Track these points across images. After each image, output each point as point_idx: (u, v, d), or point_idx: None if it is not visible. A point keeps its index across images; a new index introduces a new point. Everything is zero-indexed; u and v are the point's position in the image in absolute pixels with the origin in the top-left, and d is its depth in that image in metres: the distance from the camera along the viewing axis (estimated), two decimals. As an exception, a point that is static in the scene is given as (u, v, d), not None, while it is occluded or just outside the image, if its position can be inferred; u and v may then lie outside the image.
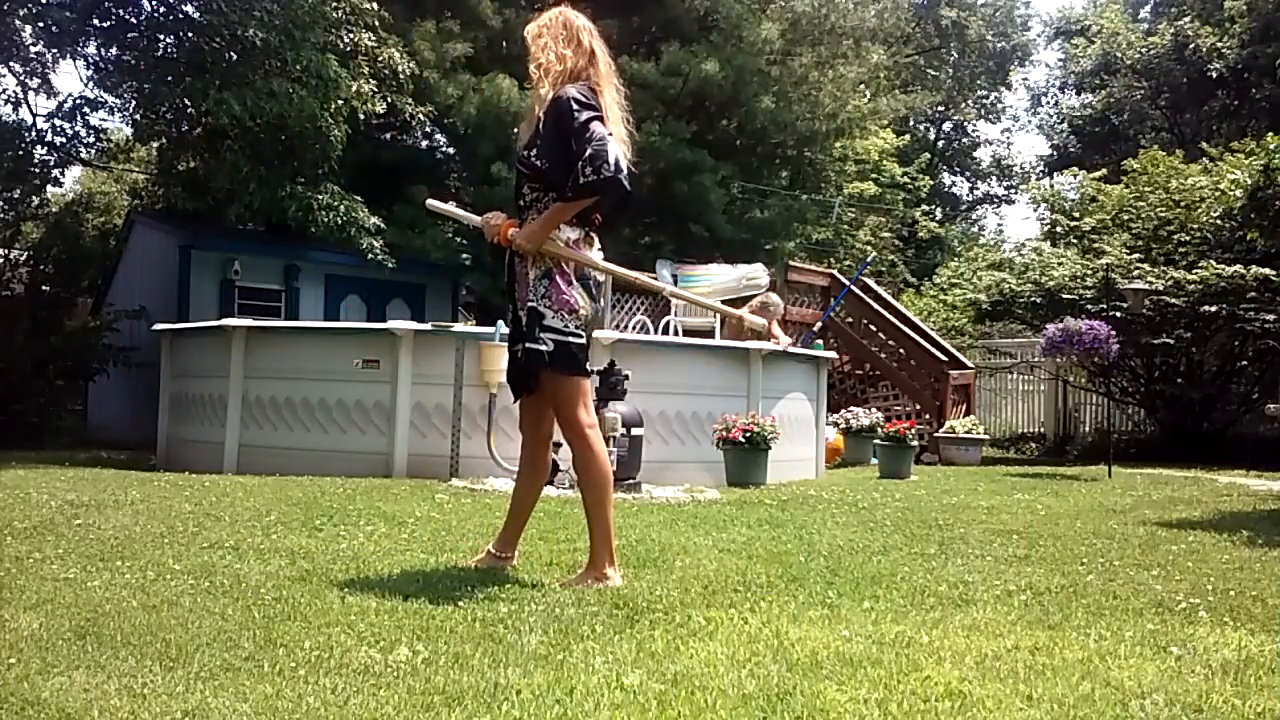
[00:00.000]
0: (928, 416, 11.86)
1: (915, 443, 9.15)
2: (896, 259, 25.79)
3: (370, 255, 11.35)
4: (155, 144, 13.46)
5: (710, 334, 9.75)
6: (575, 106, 3.40)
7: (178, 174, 12.86)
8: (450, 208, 4.25)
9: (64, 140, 11.65)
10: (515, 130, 14.27)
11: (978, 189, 36.52)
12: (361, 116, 11.66)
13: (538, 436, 3.73)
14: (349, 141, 11.28)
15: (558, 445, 6.73)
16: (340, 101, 10.69)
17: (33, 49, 11.53)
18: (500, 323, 7.42)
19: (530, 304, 3.47)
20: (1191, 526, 5.40)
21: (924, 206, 28.52)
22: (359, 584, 3.29)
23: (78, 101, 11.55)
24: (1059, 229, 14.72)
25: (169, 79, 10.68)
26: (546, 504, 5.64)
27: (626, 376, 6.64)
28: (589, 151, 3.34)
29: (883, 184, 25.13)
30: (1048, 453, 14.04)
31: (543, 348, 3.43)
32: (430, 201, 4.23)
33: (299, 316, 12.28)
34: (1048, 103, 32.29)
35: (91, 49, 11.69)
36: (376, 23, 11.42)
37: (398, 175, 13.78)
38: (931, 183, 29.63)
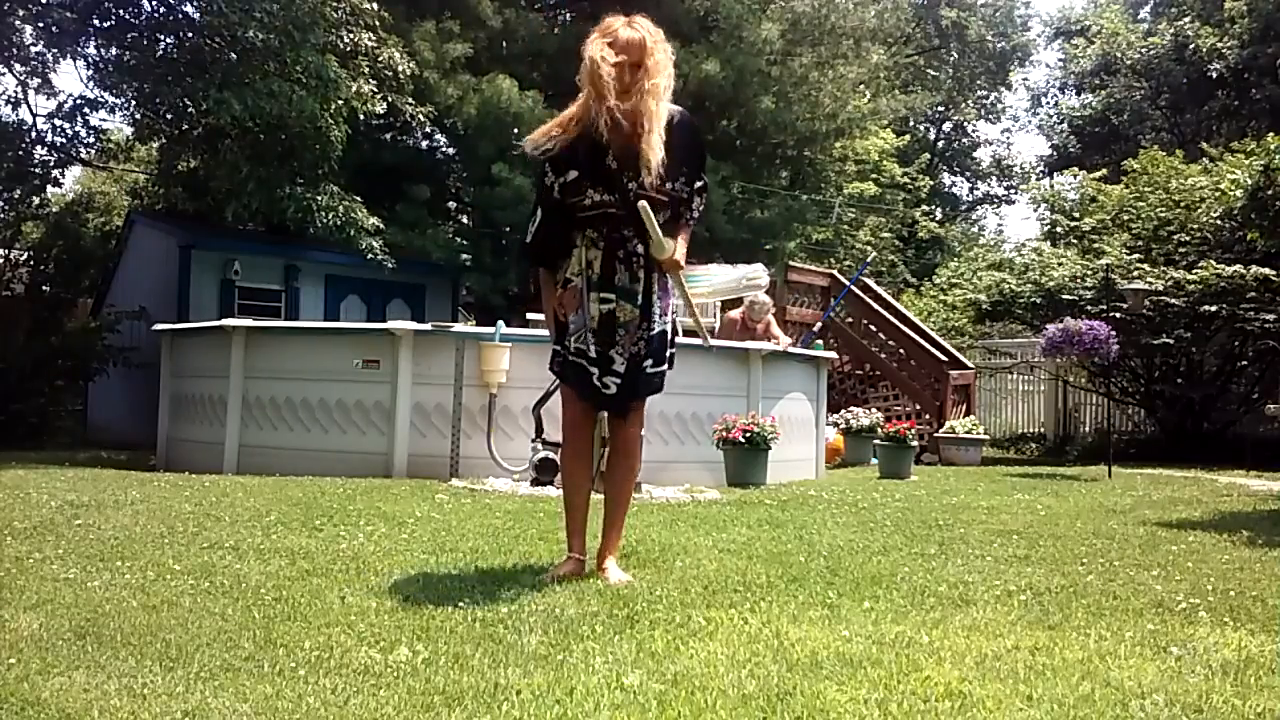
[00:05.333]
0: (928, 416, 11.86)
1: (915, 443, 9.15)
2: (896, 259, 25.79)
3: (370, 255, 11.35)
4: (155, 144, 13.47)
5: (710, 334, 9.75)
6: (699, 132, 3.53)
7: (178, 174, 12.85)
8: (652, 217, 3.36)
9: (64, 140, 11.67)
10: (516, 130, 14.16)
11: (978, 189, 36.52)
12: (361, 117, 11.67)
13: (591, 446, 3.79)
14: (349, 142, 11.28)
15: (557, 445, 6.77)
16: (340, 102, 10.69)
17: (33, 49, 11.54)
18: (500, 323, 7.43)
19: (663, 326, 3.53)
20: (1191, 526, 5.40)
21: (924, 206, 28.50)
22: (359, 584, 3.29)
23: (78, 101, 11.56)
24: (1059, 229, 14.72)
25: (169, 79, 10.68)
26: (547, 504, 5.65)
27: (626, 376, 6.64)
28: (705, 184, 3.58)
29: (883, 184, 25.13)
30: (1048, 453, 14.04)
31: (667, 368, 3.58)
32: (643, 204, 3.36)
33: (299, 316, 12.29)
34: (1048, 103, 32.28)
35: (91, 49, 11.70)
36: (376, 23, 11.42)
37: (398, 175, 13.78)
38: (931, 183, 29.62)
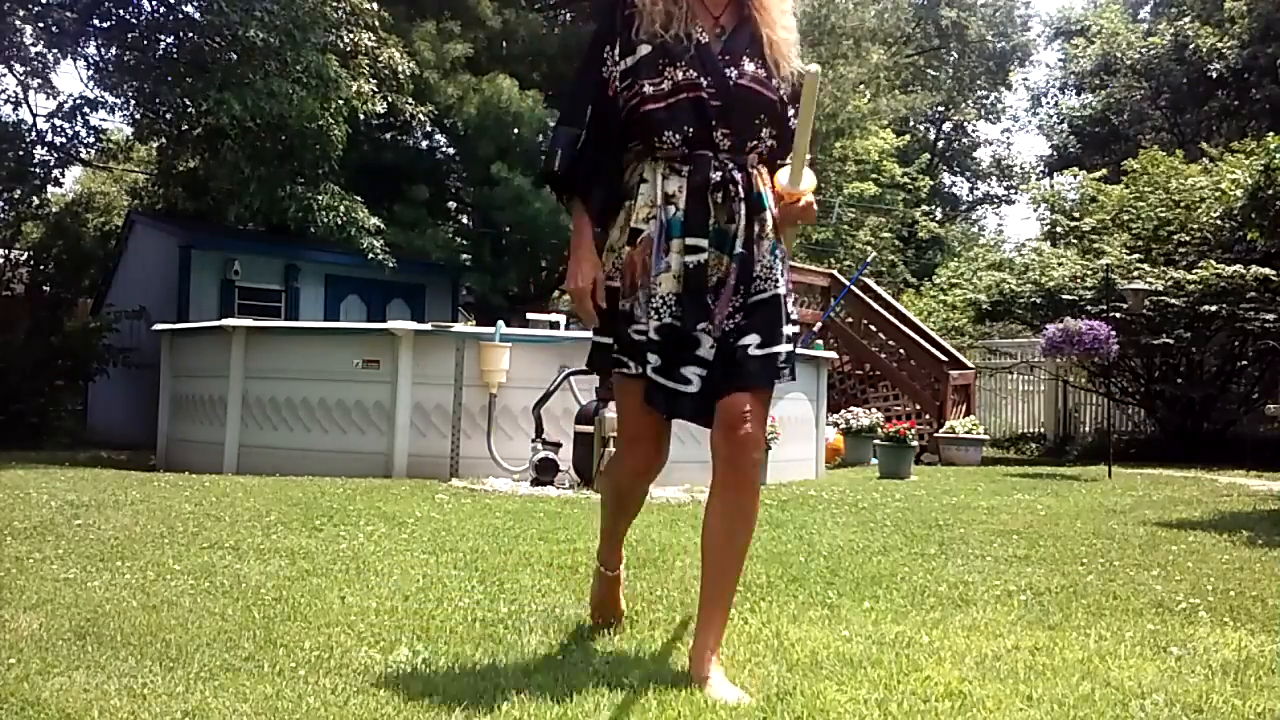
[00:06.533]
0: (928, 416, 11.87)
1: (915, 443, 9.15)
2: (896, 259, 25.79)
3: (370, 255, 11.36)
4: (155, 144, 13.48)
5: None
6: None
7: (178, 174, 12.86)
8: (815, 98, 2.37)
9: (64, 140, 11.69)
10: (516, 130, 14.14)
11: (978, 189, 36.51)
12: (361, 116, 11.67)
13: (659, 464, 2.64)
14: (349, 141, 11.29)
15: (557, 445, 6.78)
16: (340, 101, 10.70)
17: (33, 49, 11.56)
18: (500, 323, 7.42)
19: (775, 290, 2.38)
20: (1191, 526, 5.40)
21: (924, 206, 28.51)
22: (359, 584, 3.29)
23: (78, 101, 11.58)
24: (1059, 229, 14.73)
25: (169, 79, 10.70)
26: (547, 504, 5.65)
27: (626, 376, 6.64)
28: None
29: (883, 184, 25.13)
30: (1048, 453, 14.04)
31: (789, 350, 2.42)
32: (814, 69, 2.38)
33: (299, 316, 12.28)
34: (1048, 103, 32.26)
35: (91, 49, 11.73)
36: (376, 23, 11.43)
37: (398, 175, 13.79)
38: (931, 183, 29.63)
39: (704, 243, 2.35)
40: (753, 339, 2.34)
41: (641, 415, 2.47)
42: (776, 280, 2.39)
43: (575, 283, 2.42)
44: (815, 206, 2.42)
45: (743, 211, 2.36)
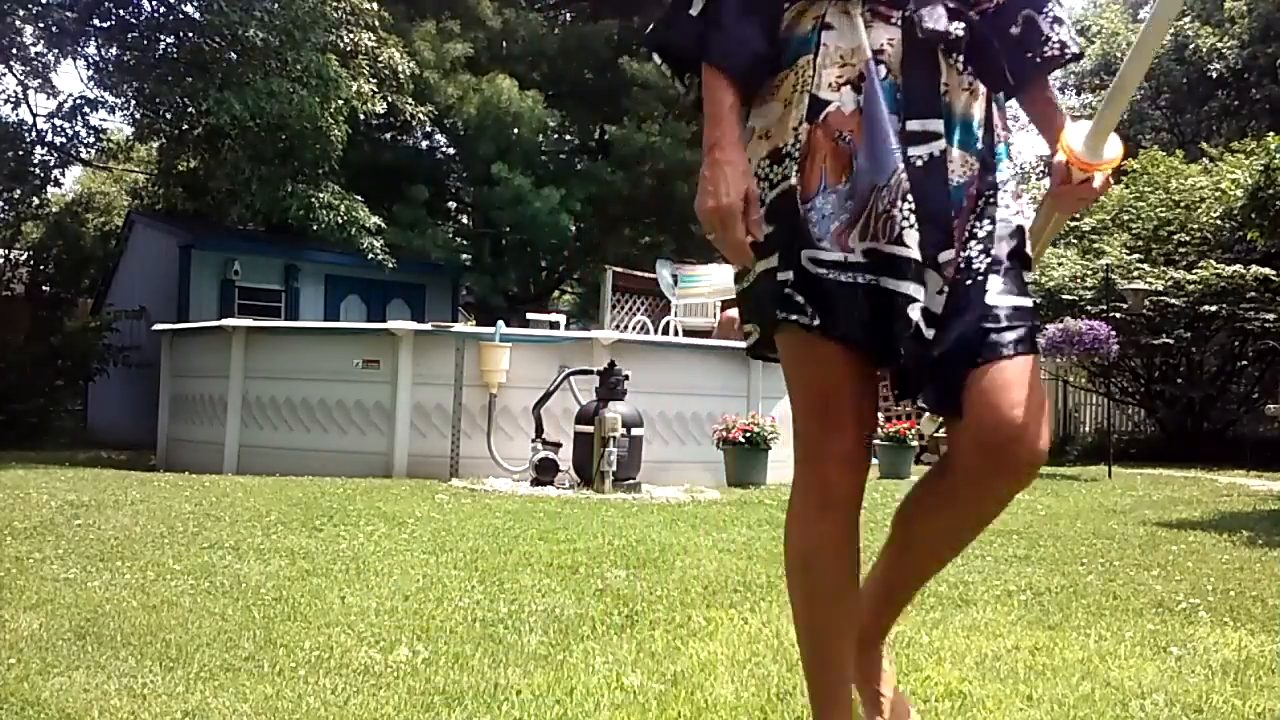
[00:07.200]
0: (928, 417, 11.87)
1: (915, 443, 9.15)
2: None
3: (370, 255, 11.37)
4: (155, 144, 13.49)
5: (710, 334, 9.76)
6: None
7: (178, 174, 12.88)
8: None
9: (64, 140, 11.72)
10: (515, 130, 14.13)
11: (978, 189, 36.53)
12: (362, 116, 11.68)
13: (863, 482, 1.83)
14: (349, 141, 11.30)
15: (557, 445, 6.78)
16: (340, 101, 10.71)
17: (33, 49, 11.57)
18: (500, 323, 7.43)
19: (1017, 217, 1.58)
20: (1191, 526, 5.40)
21: (924, 206, 28.51)
22: (359, 584, 3.29)
23: (78, 101, 11.60)
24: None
25: (169, 79, 10.72)
26: (547, 504, 5.65)
27: (626, 376, 6.65)
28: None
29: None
30: (1048, 453, 14.03)
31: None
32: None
33: (299, 316, 12.29)
34: (1048, 103, 32.27)
35: (91, 49, 11.74)
36: (376, 23, 11.44)
37: (398, 175, 13.80)
38: (931, 183, 29.62)
39: (938, 125, 1.51)
40: (1002, 285, 1.53)
41: (839, 394, 1.61)
42: (1009, 204, 1.57)
43: (719, 199, 1.49)
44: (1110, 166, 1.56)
45: (982, 94, 1.56)
